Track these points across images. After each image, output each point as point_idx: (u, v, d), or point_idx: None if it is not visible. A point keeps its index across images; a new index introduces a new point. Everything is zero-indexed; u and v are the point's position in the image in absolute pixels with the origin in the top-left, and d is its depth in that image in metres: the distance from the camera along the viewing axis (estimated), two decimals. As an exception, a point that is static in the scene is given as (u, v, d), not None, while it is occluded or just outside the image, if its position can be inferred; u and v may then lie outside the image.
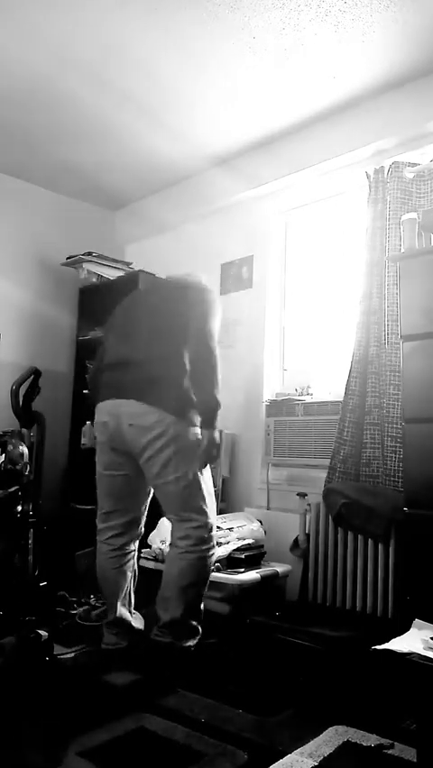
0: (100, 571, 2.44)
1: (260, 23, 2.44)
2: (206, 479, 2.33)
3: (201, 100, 2.98)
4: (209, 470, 2.38)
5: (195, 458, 2.27)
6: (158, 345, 2.32)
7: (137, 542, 2.50)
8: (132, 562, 2.46)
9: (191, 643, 2.27)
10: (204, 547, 2.27)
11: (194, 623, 2.29)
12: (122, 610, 2.39)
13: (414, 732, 1.75)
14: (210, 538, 2.30)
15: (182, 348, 2.29)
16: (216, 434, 2.32)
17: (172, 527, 2.34)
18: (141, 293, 2.59)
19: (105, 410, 2.35)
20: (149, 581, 2.49)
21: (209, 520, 2.29)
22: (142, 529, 2.52)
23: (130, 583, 2.45)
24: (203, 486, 2.30)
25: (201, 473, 2.30)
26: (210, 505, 2.32)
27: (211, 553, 2.30)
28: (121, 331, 2.48)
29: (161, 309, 2.41)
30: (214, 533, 2.32)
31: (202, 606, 2.31)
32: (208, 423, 2.30)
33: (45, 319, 3.93)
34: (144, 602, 2.50)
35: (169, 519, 2.37)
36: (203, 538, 2.27)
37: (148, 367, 2.30)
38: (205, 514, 2.29)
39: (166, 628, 2.26)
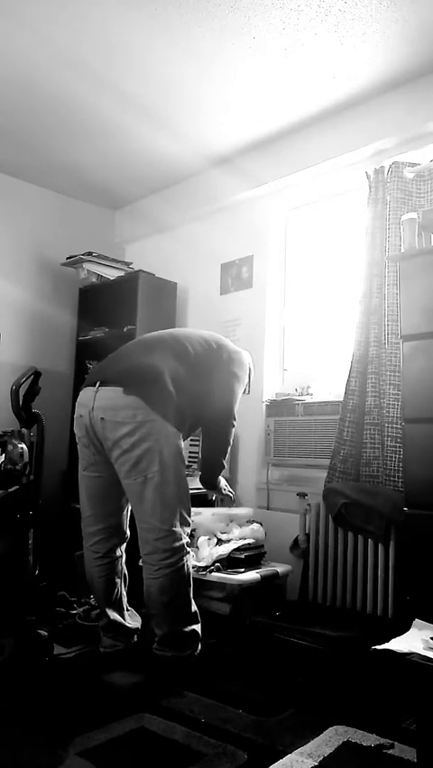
0: (89, 577, 2.39)
1: (260, 23, 2.44)
2: (180, 482, 2.21)
3: (201, 100, 2.98)
4: (184, 474, 2.27)
5: (172, 460, 2.15)
6: (171, 362, 2.23)
7: (123, 545, 2.42)
8: (120, 566, 2.40)
9: (192, 650, 2.22)
10: (175, 558, 2.15)
11: (190, 628, 2.21)
12: (114, 615, 2.36)
13: (414, 732, 1.75)
14: (180, 548, 2.16)
15: (200, 386, 2.30)
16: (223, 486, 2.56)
17: (139, 536, 2.20)
18: (168, 333, 2.51)
19: (82, 402, 2.24)
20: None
21: (176, 529, 2.15)
22: (128, 532, 2.41)
23: (121, 587, 2.40)
24: (175, 490, 2.17)
25: (175, 476, 2.17)
26: (180, 510, 2.19)
27: (184, 560, 2.18)
28: (134, 345, 2.44)
29: (190, 344, 2.35)
30: (183, 540, 2.18)
31: (194, 607, 2.25)
32: (211, 483, 2.50)
33: (45, 319, 3.93)
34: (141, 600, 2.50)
35: (138, 526, 2.22)
36: (173, 549, 2.14)
37: (144, 364, 2.20)
38: (171, 522, 2.15)
39: (164, 644, 2.20)
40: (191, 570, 2.26)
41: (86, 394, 2.23)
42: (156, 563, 2.14)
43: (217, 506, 2.88)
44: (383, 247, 2.81)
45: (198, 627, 2.25)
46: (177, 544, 2.16)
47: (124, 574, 2.44)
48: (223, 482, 2.58)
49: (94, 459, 2.27)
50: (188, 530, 2.25)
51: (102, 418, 2.14)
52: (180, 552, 2.17)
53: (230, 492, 2.62)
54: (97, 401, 2.16)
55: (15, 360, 3.65)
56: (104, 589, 2.35)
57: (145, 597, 2.20)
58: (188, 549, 2.25)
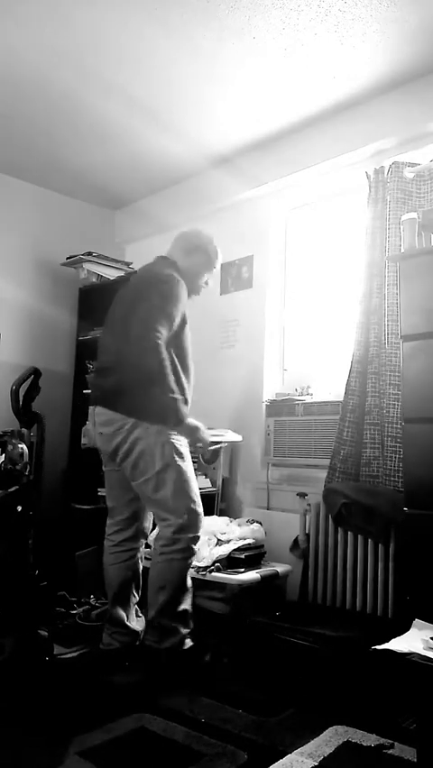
0: (104, 567, 2.48)
1: (260, 23, 2.43)
2: (177, 477, 2.29)
3: (201, 100, 2.98)
4: (187, 467, 2.34)
5: (161, 458, 2.26)
6: (126, 348, 2.29)
7: (142, 540, 2.50)
8: (133, 561, 2.45)
9: (168, 644, 2.25)
10: (173, 548, 2.26)
11: (172, 624, 2.26)
12: (118, 610, 2.39)
13: (414, 732, 1.75)
14: (179, 539, 2.27)
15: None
16: (191, 422, 2.32)
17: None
18: (120, 291, 2.56)
19: (90, 415, 2.47)
20: (148, 581, 2.49)
21: (180, 520, 2.27)
22: (148, 527, 2.51)
23: (131, 582, 2.43)
24: (172, 485, 2.27)
25: (172, 472, 2.27)
26: (185, 502, 2.29)
27: (182, 555, 2.27)
28: (105, 332, 2.53)
29: (128, 309, 2.35)
30: (186, 534, 2.28)
31: (183, 607, 2.28)
32: (162, 415, 2.25)
33: (45, 319, 3.93)
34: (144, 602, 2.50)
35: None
36: (172, 539, 2.27)
37: (119, 373, 2.31)
38: (176, 513, 2.28)
39: (147, 632, 2.31)
40: (189, 578, 2.32)
41: (90, 412, 2.48)
42: (159, 549, 2.29)
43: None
44: (383, 247, 2.81)
45: (183, 628, 2.28)
46: (178, 535, 2.27)
47: (138, 574, 2.46)
48: (194, 423, 2.37)
49: (107, 460, 2.47)
50: (195, 530, 2.31)
51: (100, 433, 2.37)
52: (179, 543, 2.27)
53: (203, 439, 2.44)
54: (96, 418, 2.39)
55: (15, 360, 3.65)
56: (113, 578, 2.42)
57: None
58: (191, 551, 2.30)
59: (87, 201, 4.24)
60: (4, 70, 2.77)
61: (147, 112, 3.08)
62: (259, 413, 3.33)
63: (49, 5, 2.36)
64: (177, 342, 2.35)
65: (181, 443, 2.35)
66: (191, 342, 2.47)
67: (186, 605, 2.30)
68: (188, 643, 2.30)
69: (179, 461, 2.31)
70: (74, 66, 2.73)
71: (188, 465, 2.35)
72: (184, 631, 2.28)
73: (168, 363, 2.23)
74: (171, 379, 2.23)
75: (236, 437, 3.23)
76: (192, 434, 2.37)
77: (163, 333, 2.24)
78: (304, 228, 3.52)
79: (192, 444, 2.42)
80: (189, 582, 2.32)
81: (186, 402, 2.35)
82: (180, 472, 2.30)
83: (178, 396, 2.24)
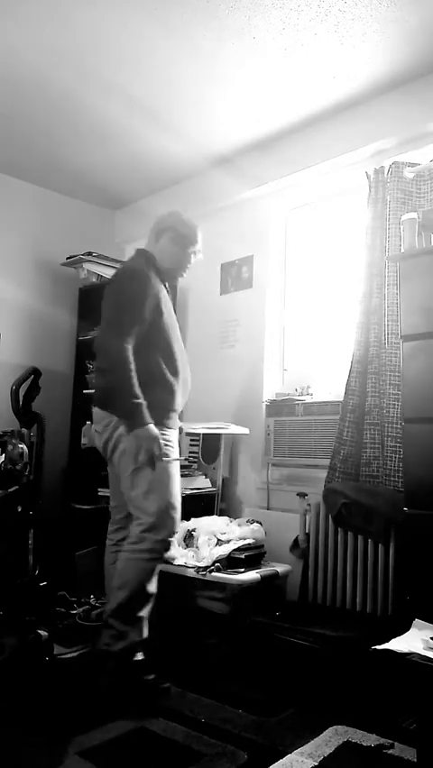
0: (105, 566, 2.47)
1: (260, 23, 2.43)
2: (154, 477, 2.20)
3: (201, 100, 2.98)
4: (167, 468, 2.24)
5: (135, 457, 2.19)
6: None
7: None
8: None
9: (118, 648, 2.13)
10: (137, 546, 2.19)
11: (123, 627, 2.14)
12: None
13: (414, 732, 1.75)
14: (145, 539, 2.19)
15: None
16: (144, 429, 2.15)
17: None
18: None
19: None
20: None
21: (151, 519, 2.19)
22: None
23: None
24: (147, 485, 2.20)
25: (148, 472, 2.20)
26: (153, 504, 2.20)
27: (145, 556, 2.18)
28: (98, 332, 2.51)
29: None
30: (153, 535, 2.19)
31: (140, 614, 2.16)
32: (124, 419, 2.19)
33: (45, 319, 3.93)
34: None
35: None
36: (139, 537, 2.20)
37: (101, 371, 2.30)
38: (147, 512, 2.20)
39: (102, 633, 2.21)
40: (152, 585, 2.21)
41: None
42: (126, 546, 2.24)
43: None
44: (383, 247, 2.81)
45: (135, 635, 2.15)
46: (146, 534, 2.20)
47: None
48: (151, 433, 2.18)
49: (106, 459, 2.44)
50: (165, 533, 2.20)
51: (96, 430, 2.37)
52: (144, 542, 2.19)
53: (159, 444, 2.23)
54: (93, 417, 2.38)
55: (15, 360, 3.65)
56: (110, 577, 2.38)
57: None
58: (157, 554, 2.20)
59: (87, 201, 4.24)
60: (4, 70, 2.77)
61: (147, 112, 3.08)
62: (259, 413, 3.33)
63: (49, 6, 2.36)
64: (153, 336, 2.27)
65: (168, 443, 2.28)
66: (180, 335, 2.40)
67: (143, 612, 2.18)
68: (139, 656, 2.17)
69: (163, 461, 2.23)
70: (74, 66, 2.72)
71: (169, 466, 2.27)
72: (135, 638, 2.14)
73: (128, 366, 2.15)
74: (132, 382, 2.14)
75: (241, 430, 3.16)
76: (145, 442, 2.16)
77: (121, 335, 2.17)
78: (304, 228, 3.52)
79: (140, 451, 2.19)
80: (152, 589, 2.21)
81: (173, 398, 2.30)
82: (158, 472, 2.22)
83: (139, 401, 2.14)
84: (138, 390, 2.16)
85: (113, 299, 2.27)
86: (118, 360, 2.16)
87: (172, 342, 2.35)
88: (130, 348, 2.18)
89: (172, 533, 2.25)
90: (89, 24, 2.46)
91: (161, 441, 2.20)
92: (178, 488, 2.31)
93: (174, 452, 2.33)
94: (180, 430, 2.57)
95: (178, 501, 2.28)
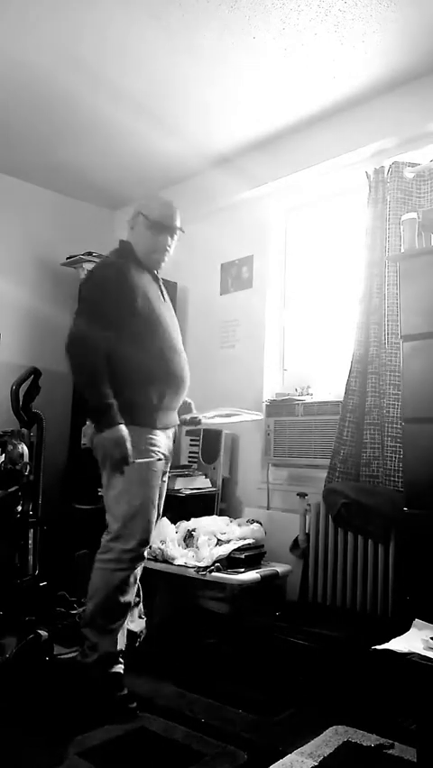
0: None
1: (260, 23, 2.43)
2: (124, 482, 2.09)
3: (201, 100, 2.98)
4: (145, 472, 2.12)
5: (105, 463, 2.12)
6: None
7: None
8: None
9: (90, 660, 2.06)
10: (103, 556, 2.11)
11: (95, 639, 2.06)
12: None
13: (414, 732, 1.75)
14: (111, 549, 2.09)
15: None
16: (109, 431, 2.03)
17: None
18: None
19: None
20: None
21: (116, 525, 2.09)
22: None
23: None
24: (114, 493, 2.12)
25: (117, 478, 2.09)
26: (121, 510, 2.09)
27: (112, 567, 2.08)
28: None
29: None
30: (119, 545, 2.08)
31: (112, 626, 2.07)
32: (91, 420, 2.10)
33: (45, 319, 3.93)
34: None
35: None
36: (106, 546, 2.11)
37: (71, 370, 2.21)
38: (114, 518, 2.11)
39: (82, 642, 2.13)
40: (126, 597, 2.10)
41: None
42: (97, 554, 2.15)
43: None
44: (383, 247, 2.81)
45: (107, 647, 2.07)
46: (112, 544, 2.11)
47: (137, 576, 2.33)
48: (118, 437, 2.04)
49: None
50: (131, 543, 2.09)
51: (85, 431, 2.32)
52: (110, 553, 2.09)
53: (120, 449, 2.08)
54: None
55: (15, 360, 3.65)
56: None
57: None
58: (124, 566, 2.08)
59: (87, 201, 4.24)
60: (4, 71, 2.77)
61: (147, 112, 3.08)
62: (259, 413, 3.33)
63: (51, 8, 2.36)
64: (133, 329, 2.14)
65: (152, 445, 2.16)
66: (171, 326, 2.27)
67: (116, 624, 2.08)
68: (118, 668, 2.08)
69: (133, 473, 2.09)
70: (74, 66, 2.72)
71: (146, 471, 2.12)
72: (108, 649, 2.06)
73: (96, 364, 2.05)
74: (98, 380, 2.04)
75: (252, 416, 2.91)
76: (108, 445, 2.04)
77: (88, 331, 2.08)
78: (304, 228, 3.52)
79: (106, 455, 2.09)
80: (125, 599, 2.09)
81: (159, 395, 2.16)
82: (130, 477, 2.09)
83: (106, 401, 2.03)
84: (106, 389, 2.04)
85: (83, 295, 2.23)
86: (86, 357, 2.07)
87: (158, 334, 2.21)
88: (100, 345, 2.07)
89: (143, 542, 2.11)
90: (90, 26, 2.46)
91: (128, 444, 2.03)
92: (153, 494, 2.15)
93: (157, 455, 2.17)
94: (186, 422, 2.44)
95: (149, 509, 2.13)
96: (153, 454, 2.16)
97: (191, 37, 2.52)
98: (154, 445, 2.18)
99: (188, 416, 2.46)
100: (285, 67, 2.71)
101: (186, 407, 2.47)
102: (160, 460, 2.19)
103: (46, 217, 4.00)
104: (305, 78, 2.79)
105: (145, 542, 2.13)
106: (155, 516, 2.19)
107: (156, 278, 2.36)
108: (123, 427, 2.04)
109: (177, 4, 2.34)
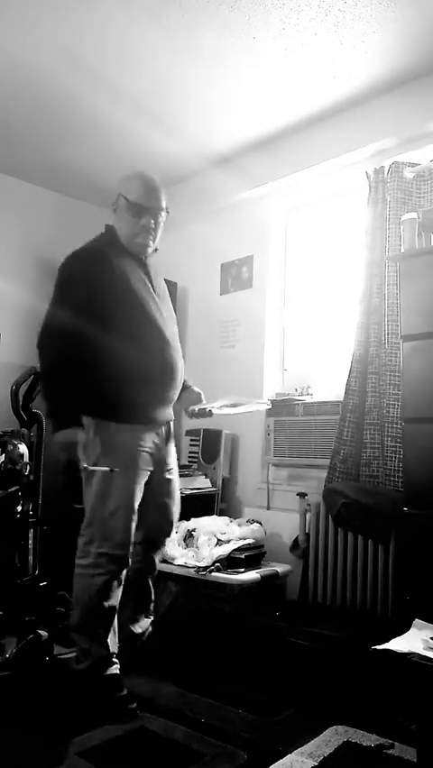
0: None
1: (260, 23, 2.43)
2: (102, 482, 2.03)
3: (201, 100, 2.98)
4: (114, 479, 2.02)
5: (88, 458, 2.06)
6: None
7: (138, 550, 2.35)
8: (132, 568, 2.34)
9: (82, 667, 2.03)
10: (81, 561, 2.05)
11: (85, 644, 2.03)
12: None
13: (414, 732, 1.75)
14: (88, 553, 2.03)
15: None
16: (60, 435, 1.98)
17: None
18: None
19: None
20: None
21: (90, 529, 2.04)
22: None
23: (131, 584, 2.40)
24: (92, 491, 2.04)
25: (95, 476, 2.03)
26: (94, 513, 2.04)
27: (89, 571, 2.02)
28: None
29: None
30: (93, 548, 2.01)
31: (99, 631, 2.03)
32: (48, 420, 2.03)
33: (45, 319, 3.93)
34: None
35: None
36: (82, 550, 2.05)
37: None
38: (88, 521, 2.05)
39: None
40: (109, 602, 2.04)
41: None
42: (76, 558, 2.09)
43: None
44: (383, 247, 2.81)
45: (91, 650, 2.03)
46: (87, 547, 2.05)
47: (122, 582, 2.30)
48: (66, 441, 2.00)
49: None
50: (107, 546, 2.02)
51: None
52: (86, 558, 2.03)
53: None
54: None
55: (15, 360, 3.64)
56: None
57: None
58: (102, 570, 2.01)
59: (87, 201, 4.23)
60: (5, 71, 2.77)
61: (147, 112, 3.08)
62: (259, 413, 3.33)
63: (51, 7, 2.36)
64: (112, 320, 2.02)
65: (141, 447, 2.07)
66: (159, 316, 2.13)
67: (103, 629, 2.03)
68: (113, 669, 2.03)
69: (111, 464, 2.01)
70: (75, 66, 2.72)
71: (126, 472, 2.03)
72: (99, 654, 2.03)
73: (55, 359, 1.98)
74: (55, 378, 2.00)
75: (259, 406, 2.80)
76: (58, 448, 2.02)
77: (53, 324, 2.02)
78: (304, 228, 3.52)
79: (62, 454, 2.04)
80: (109, 604, 2.03)
81: (142, 391, 2.05)
82: (104, 479, 2.01)
83: (59, 400, 1.98)
84: (62, 387, 1.97)
85: (54, 284, 2.09)
86: (45, 353, 2.01)
87: (140, 324, 2.07)
88: (65, 338, 1.98)
89: (119, 546, 2.02)
90: (90, 26, 2.46)
91: (78, 450, 1.98)
92: (130, 498, 2.05)
93: (132, 455, 2.07)
94: (195, 414, 2.32)
95: (127, 513, 2.04)
96: (126, 455, 2.04)
97: (191, 37, 2.52)
98: (145, 446, 2.09)
99: (197, 408, 2.33)
100: (285, 67, 2.70)
101: (195, 398, 2.35)
102: (102, 469, 2.03)
103: (46, 217, 4.00)
104: (305, 78, 2.78)
105: (122, 546, 2.03)
106: (133, 520, 2.07)
107: (142, 264, 2.20)
108: (73, 431, 1.96)
109: (177, 4, 2.34)
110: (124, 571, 2.10)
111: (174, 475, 2.32)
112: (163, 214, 2.18)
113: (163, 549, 2.43)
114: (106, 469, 2.01)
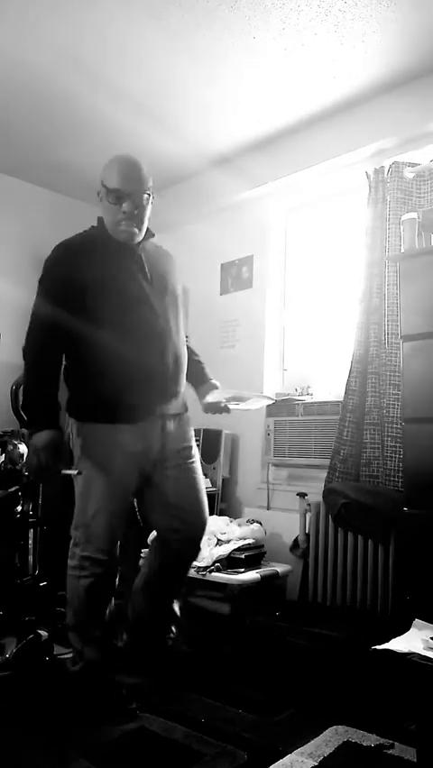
0: None
1: (260, 23, 2.43)
2: (84, 482, 1.98)
3: (201, 100, 2.98)
4: (100, 474, 1.96)
5: (75, 457, 2.02)
6: None
7: (139, 549, 2.43)
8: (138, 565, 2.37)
9: (77, 668, 2.02)
10: (70, 563, 2.02)
11: (79, 646, 2.02)
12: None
13: (414, 732, 1.75)
14: (74, 554, 2.00)
15: None
16: (37, 437, 1.91)
17: None
18: None
19: None
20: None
21: (76, 531, 2.00)
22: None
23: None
24: (78, 491, 2.00)
25: (80, 477, 1.98)
26: (78, 515, 2.00)
27: (76, 573, 1.99)
28: None
29: None
30: (79, 550, 1.98)
31: (94, 633, 2.02)
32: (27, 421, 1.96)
33: (45, 319, 3.93)
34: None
35: None
36: (71, 551, 2.02)
37: None
38: (74, 522, 2.01)
39: None
40: (94, 605, 2.00)
41: None
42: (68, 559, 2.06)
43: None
44: (383, 247, 2.81)
45: (83, 652, 2.01)
46: (73, 549, 2.01)
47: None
48: (39, 443, 1.91)
49: None
50: (90, 549, 1.97)
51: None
52: (73, 560, 2.00)
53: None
54: None
55: (15, 360, 3.63)
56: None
57: None
58: (87, 572, 1.97)
59: (87, 201, 4.23)
60: (6, 71, 2.77)
61: (147, 112, 3.08)
62: (259, 413, 3.33)
63: (51, 8, 2.36)
64: (96, 315, 1.92)
65: (105, 444, 1.97)
66: (148, 308, 1.99)
67: (97, 632, 2.02)
68: (107, 673, 2.04)
69: (92, 466, 1.95)
70: (75, 66, 2.72)
71: (104, 474, 1.95)
72: (93, 656, 2.01)
73: (34, 357, 1.98)
74: (32, 376, 1.98)
75: (262, 402, 2.62)
76: (30, 452, 1.94)
77: (35, 322, 1.99)
78: (304, 228, 3.52)
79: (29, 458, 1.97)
80: (99, 607, 2.02)
81: (131, 389, 1.93)
82: (87, 480, 1.96)
83: (36, 401, 1.94)
84: (39, 387, 1.93)
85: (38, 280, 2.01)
86: (29, 351, 1.98)
87: (128, 316, 1.95)
88: (46, 335, 1.95)
89: (100, 550, 1.96)
90: (90, 26, 2.46)
91: (51, 453, 1.90)
92: (116, 501, 1.99)
93: (113, 456, 1.98)
94: (211, 408, 2.23)
95: (112, 516, 1.98)
96: (106, 456, 1.96)
97: (191, 37, 2.52)
98: (110, 444, 1.96)
99: (207, 401, 2.24)
100: (285, 67, 2.70)
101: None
102: (73, 473, 1.96)
103: (46, 217, 4.00)
104: (305, 78, 2.79)
105: (103, 551, 1.96)
106: (115, 523, 2.00)
107: (133, 252, 2.07)
108: (48, 433, 1.90)
109: (177, 4, 2.34)
110: (117, 574, 2.08)
111: (182, 472, 2.13)
112: (145, 197, 2.03)
113: (189, 554, 2.20)
114: (73, 472, 1.95)
